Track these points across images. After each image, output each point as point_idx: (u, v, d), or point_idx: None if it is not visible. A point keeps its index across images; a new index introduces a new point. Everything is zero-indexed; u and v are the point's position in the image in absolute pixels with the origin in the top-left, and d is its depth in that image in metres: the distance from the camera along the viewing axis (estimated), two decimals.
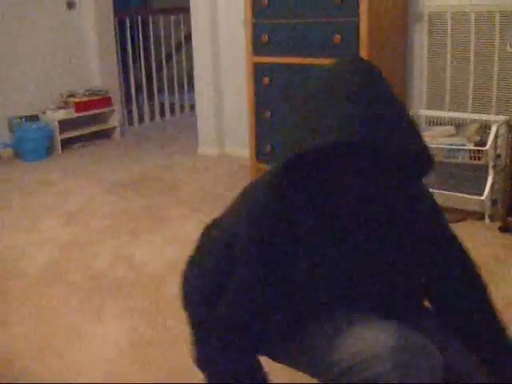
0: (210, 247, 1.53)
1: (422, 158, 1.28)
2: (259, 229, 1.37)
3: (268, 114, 3.94)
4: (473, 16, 3.49)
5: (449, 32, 3.62)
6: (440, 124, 3.67)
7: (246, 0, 3.89)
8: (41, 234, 3.53)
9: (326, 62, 3.60)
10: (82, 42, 5.80)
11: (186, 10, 5.48)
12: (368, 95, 1.25)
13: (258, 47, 3.91)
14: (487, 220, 3.47)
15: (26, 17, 5.45)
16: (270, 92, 3.92)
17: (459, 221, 3.47)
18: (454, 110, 3.65)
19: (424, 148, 1.26)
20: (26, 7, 5.42)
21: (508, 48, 3.47)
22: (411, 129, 1.28)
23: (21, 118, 5.41)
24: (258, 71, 3.94)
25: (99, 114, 5.85)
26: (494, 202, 3.51)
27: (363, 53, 3.47)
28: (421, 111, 3.75)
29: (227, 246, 1.43)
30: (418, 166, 1.31)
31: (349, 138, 1.19)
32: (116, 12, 6.11)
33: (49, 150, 5.41)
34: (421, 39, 3.77)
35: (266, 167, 4.06)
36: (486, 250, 3.08)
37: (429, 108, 3.76)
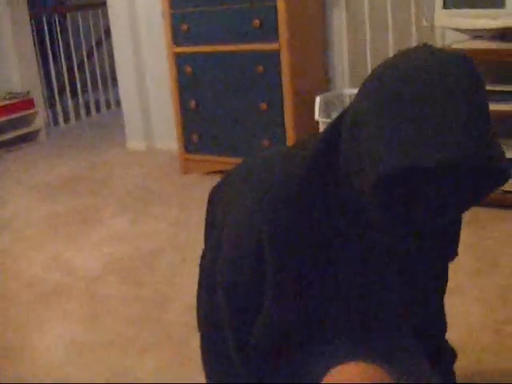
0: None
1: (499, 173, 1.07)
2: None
3: (193, 103, 3.92)
4: None
5: (366, 7, 3.67)
6: None
7: None
8: None
9: (246, 47, 3.62)
10: None
11: (103, 5, 5.38)
12: (473, 106, 1.01)
13: (178, 37, 3.88)
14: None
15: None
16: (193, 82, 3.90)
17: None
18: None
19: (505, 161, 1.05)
20: None
21: (424, 22, 3.55)
22: (495, 140, 1.04)
23: None
24: (180, 61, 3.91)
25: (22, 116, 5.68)
26: None
27: (282, 34, 3.50)
28: (344, 90, 3.79)
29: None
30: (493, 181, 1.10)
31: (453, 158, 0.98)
32: (31, 11, 5.95)
33: None
34: (339, 17, 3.81)
35: (194, 157, 4.06)
36: None
37: (352, 87, 3.80)
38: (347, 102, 3.74)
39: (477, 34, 3.16)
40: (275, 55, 3.56)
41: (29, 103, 5.68)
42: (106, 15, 5.55)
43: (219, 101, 3.84)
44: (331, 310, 1.25)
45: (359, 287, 1.25)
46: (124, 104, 5.03)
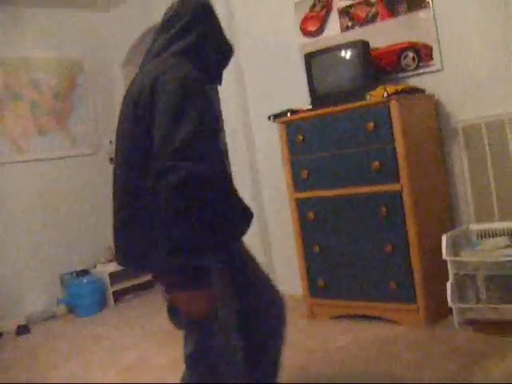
0: None
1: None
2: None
3: (317, 247, 3.90)
4: (508, 124, 3.49)
5: (486, 143, 3.60)
6: (492, 236, 3.57)
7: (282, 138, 3.99)
8: None
9: (367, 189, 3.62)
10: None
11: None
12: None
13: (298, 183, 3.95)
14: None
15: (69, 176, 5.70)
16: (316, 226, 3.90)
17: None
18: (505, 220, 3.56)
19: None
20: (67, 166, 5.68)
21: None
22: None
23: (72, 274, 5.49)
24: (302, 206, 3.95)
25: None
26: None
27: (403, 175, 3.48)
28: (471, 226, 3.66)
29: None
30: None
31: None
32: None
33: (102, 304, 5.42)
34: (459, 153, 3.76)
35: (320, 302, 3.98)
36: None
37: (478, 221, 3.68)
38: (474, 237, 3.60)
39: None
40: (397, 196, 3.52)
41: None
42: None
43: (343, 244, 3.80)
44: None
45: None
46: None
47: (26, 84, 5.49)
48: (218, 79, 2.30)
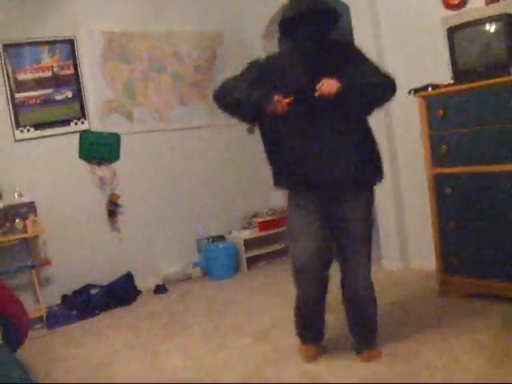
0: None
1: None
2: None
3: (453, 224, 3.84)
4: None
5: None
6: None
7: (422, 113, 3.93)
8: (232, 352, 3.61)
9: (509, 167, 3.50)
10: (262, 164, 6.08)
11: None
12: None
13: (437, 158, 3.89)
14: None
15: (207, 146, 5.91)
16: (453, 202, 3.84)
17: None
18: None
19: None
20: (206, 136, 5.90)
21: None
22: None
23: (208, 239, 5.74)
24: (439, 182, 3.89)
25: (281, 232, 6.02)
26: None
27: None
28: None
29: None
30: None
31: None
32: None
33: (235, 269, 5.63)
34: None
35: (453, 279, 3.92)
36: None
37: None
38: None
39: None
40: None
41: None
42: None
43: (481, 222, 3.72)
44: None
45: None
46: (380, 223, 5.07)
47: (169, 56, 5.74)
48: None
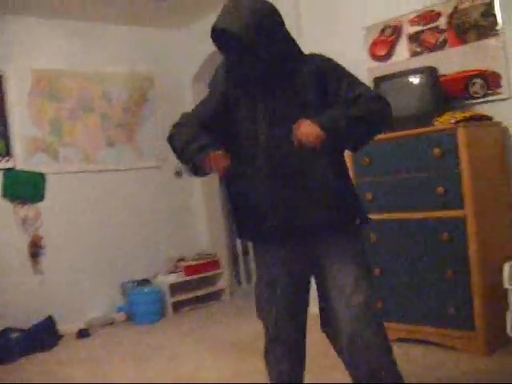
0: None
1: None
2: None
3: (378, 270, 3.91)
4: None
5: None
6: None
7: (348, 160, 4.01)
8: None
9: (430, 215, 3.62)
10: (190, 208, 6.11)
11: None
12: None
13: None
14: None
15: (134, 188, 5.87)
16: (377, 248, 3.92)
17: None
18: None
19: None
20: (133, 178, 5.86)
21: None
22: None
23: (133, 283, 5.65)
24: (366, 230, 3.96)
25: (208, 276, 6.01)
26: None
27: (468, 203, 3.47)
28: None
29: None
30: None
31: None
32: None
33: (160, 313, 5.55)
34: None
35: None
36: None
37: None
38: None
39: None
40: (460, 222, 3.50)
41: (215, 264, 6.04)
42: None
43: (403, 268, 3.81)
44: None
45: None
46: None
47: (98, 96, 5.70)
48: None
